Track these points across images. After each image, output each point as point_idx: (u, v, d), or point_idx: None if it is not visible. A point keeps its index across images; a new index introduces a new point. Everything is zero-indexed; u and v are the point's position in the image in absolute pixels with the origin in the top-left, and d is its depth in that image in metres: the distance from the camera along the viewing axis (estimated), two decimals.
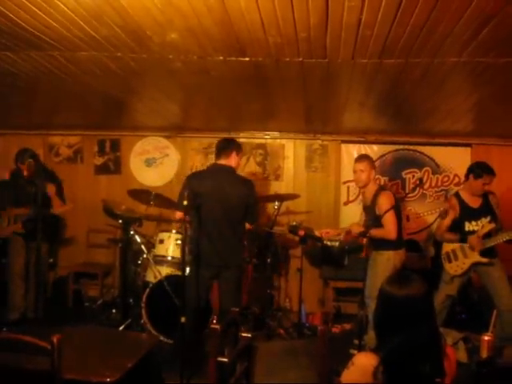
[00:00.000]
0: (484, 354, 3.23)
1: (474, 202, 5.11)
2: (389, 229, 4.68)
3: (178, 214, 4.51)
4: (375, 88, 4.39)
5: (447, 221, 5.22)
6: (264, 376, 3.32)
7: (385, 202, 4.73)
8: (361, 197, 5.26)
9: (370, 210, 4.92)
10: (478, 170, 5.02)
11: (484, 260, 4.98)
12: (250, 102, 5.16)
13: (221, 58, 3.64)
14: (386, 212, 4.56)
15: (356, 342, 4.81)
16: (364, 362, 2.22)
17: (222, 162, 4.60)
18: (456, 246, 5.09)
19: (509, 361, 3.76)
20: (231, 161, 4.62)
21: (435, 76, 3.95)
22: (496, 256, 5.07)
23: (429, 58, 3.52)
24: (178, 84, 4.52)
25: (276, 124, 6.51)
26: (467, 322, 5.71)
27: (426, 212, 6.81)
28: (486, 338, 3.24)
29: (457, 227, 5.15)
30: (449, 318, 5.38)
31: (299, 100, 4.97)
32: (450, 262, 5.12)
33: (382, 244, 4.76)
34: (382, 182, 6.79)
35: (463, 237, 5.07)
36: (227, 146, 4.65)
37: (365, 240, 4.71)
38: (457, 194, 5.26)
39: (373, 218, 4.77)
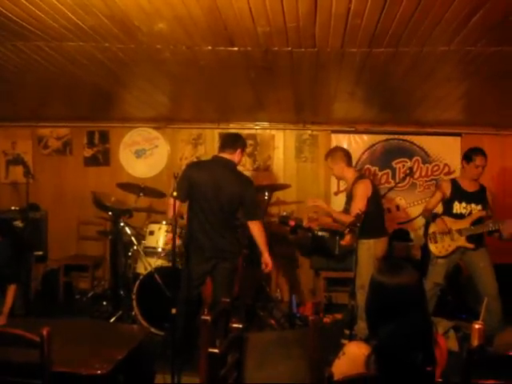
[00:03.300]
0: (475, 342, 3.22)
1: (470, 187, 5.15)
2: (357, 203, 4.72)
3: (176, 204, 4.43)
4: (365, 77, 4.38)
5: (433, 200, 5.31)
6: (255, 367, 3.32)
7: (360, 191, 4.82)
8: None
9: (349, 198, 5.00)
10: (468, 153, 5.10)
11: (469, 246, 5.03)
12: (240, 92, 5.14)
13: (209, 47, 3.61)
14: (356, 201, 4.69)
15: (347, 331, 4.82)
16: (355, 351, 2.23)
17: (226, 155, 4.57)
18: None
19: (499, 349, 3.77)
20: (235, 156, 4.61)
21: (425, 65, 3.94)
22: (483, 245, 5.12)
23: (418, 47, 3.51)
24: (167, 74, 4.49)
25: (266, 114, 6.48)
26: (458, 310, 5.72)
27: (416, 201, 6.82)
28: (477, 326, 3.23)
29: (446, 208, 5.21)
30: (439, 307, 5.41)
31: (289, 90, 4.95)
32: (435, 242, 5.17)
33: (363, 232, 4.77)
34: (372, 172, 6.81)
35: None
36: (235, 142, 4.63)
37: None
38: (453, 179, 5.33)
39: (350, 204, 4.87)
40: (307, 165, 6.94)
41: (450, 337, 4.71)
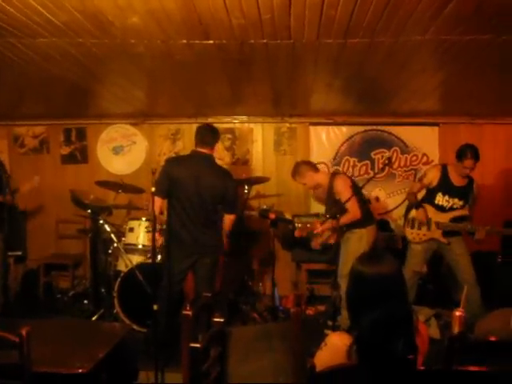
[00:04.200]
0: (456, 329, 3.25)
1: (458, 181, 5.17)
2: (353, 211, 4.76)
3: (157, 201, 4.43)
4: (341, 69, 4.39)
5: (419, 184, 5.38)
6: (238, 361, 3.32)
7: (341, 185, 4.84)
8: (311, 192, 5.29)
9: (329, 198, 5.00)
10: (460, 152, 5.05)
11: (443, 240, 5.14)
12: (217, 86, 5.11)
13: (184, 41, 3.58)
14: (347, 198, 4.65)
15: (330, 323, 4.84)
16: (337, 341, 2.23)
17: (204, 150, 4.54)
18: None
19: (480, 335, 3.81)
20: (213, 151, 4.61)
21: (400, 55, 3.95)
22: (460, 234, 5.21)
23: (393, 37, 3.52)
24: (143, 69, 4.45)
25: (244, 108, 6.47)
26: (439, 299, 5.78)
27: (396, 191, 6.86)
28: (458, 313, 3.25)
29: (429, 196, 5.26)
30: (421, 296, 5.47)
31: (266, 83, 4.94)
32: (412, 227, 5.23)
33: (353, 224, 4.82)
34: (352, 163, 6.83)
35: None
36: (212, 136, 4.61)
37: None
38: (444, 166, 5.31)
39: (334, 203, 4.87)
40: (286, 158, 6.93)
41: (431, 325, 4.75)
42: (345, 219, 4.76)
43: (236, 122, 6.96)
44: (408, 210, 5.37)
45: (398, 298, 2.24)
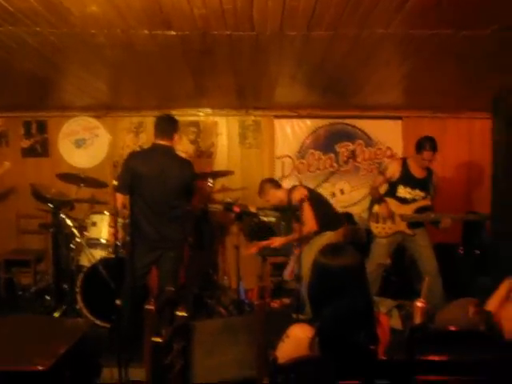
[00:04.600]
0: (417, 319, 3.30)
1: (418, 173, 5.24)
2: (310, 224, 4.81)
3: (119, 197, 4.38)
4: (305, 61, 4.38)
5: (381, 178, 5.41)
6: (203, 354, 3.31)
7: (298, 199, 4.82)
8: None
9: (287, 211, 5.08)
10: (419, 144, 5.15)
11: (409, 232, 5.21)
12: (180, 78, 5.06)
13: (146, 31, 3.53)
14: (304, 211, 4.71)
15: (295, 315, 4.85)
16: (298, 333, 2.23)
17: (164, 142, 4.49)
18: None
19: (440, 325, 3.87)
20: (173, 142, 4.54)
21: (364, 48, 3.96)
22: (423, 226, 5.30)
23: (357, 30, 3.52)
24: (104, 60, 4.36)
25: (208, 101, 6.43)
26: (402, 290, 5.84)
27: (360, 185, 6.90)
28: (419, 304, 3.30)
29: (391, 189, 5.31)
30: (384, 287, 5.52)
31: (230, 75, 4.91)
32: (376, 222, 5.29)
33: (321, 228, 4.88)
34: (317, 156, 6.85)
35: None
36: (171, 127, 4.54)
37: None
38: (404, 159, 5.39)
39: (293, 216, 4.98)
40: (251, 151, 6.93)
41: (393, 315, 4.81)
42: (301, 233, 4.78)
43: (200, 115, 6.91)
44: (372, 205, 5.42)
45: (360, 290, 2.25)
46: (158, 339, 2.50)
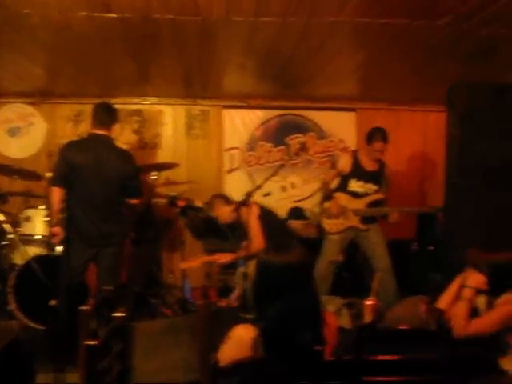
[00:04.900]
0: (367, 318, 3.37)
1: (370, 166, 5.31)
2: (258, 242, 4.75)
3: (55, 190, 4.30)
4: (254, 49, 4.39)
5: (332, 173, 5.46)
6: (143, 357, 3.29)
7: (248, 216, 4.84)
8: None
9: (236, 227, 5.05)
10: (369, 135, 5.22)
11: (362, 227, 5.28)
12: (122, 63, 4.99)
13: (84, 13, 3.48)
14: (252, 229, 4.74)
15: (243, 315, 4.86)
16: (242, 334, 2.24)
17: (102, 131, 4.42)
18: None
19: (390, 323, 3.95)
20: (112, 131, 4.48)
21: (315, 36, 4.00)
22: (375, 222, 5.38)
23: (306, 18, 3.55)
24: (39, 43, 4.28)
25: (153, 88, 6.36)
26: (355, 287, 5.90)
27: (312, 178, 6.95)
28: (369, 302, 3.38)
29: (342, 184, 5.36)
30: (336, 285, 5.58)
31: (175, 62, 4.87)
32: (328, 218, 5.33)
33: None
34: (267, 149, 6.87)
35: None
36: (110, 116, 4.48)
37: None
38: (355, 152, 5.47)
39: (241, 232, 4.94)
40: (198, 142, 6.88)
41: (342, 314, 4.86)
42: (248, 251, 4.79)
43: (145, 104, 6.82)
44: (323, 201, 5.47)
45: (305, 288, 2.27)
46: (93, 342, 2.46)
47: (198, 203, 5.73)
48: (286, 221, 6.39)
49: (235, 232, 5.07)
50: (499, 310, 3.01)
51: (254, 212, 4.87)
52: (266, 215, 4.98)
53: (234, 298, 5.19)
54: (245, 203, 4.86)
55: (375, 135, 5.12)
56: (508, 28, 3.77)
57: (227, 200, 5.19)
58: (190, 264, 5.17)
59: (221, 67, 5.11)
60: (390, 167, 5.46)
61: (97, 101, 5.83)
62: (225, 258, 5.06)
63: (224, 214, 5.05)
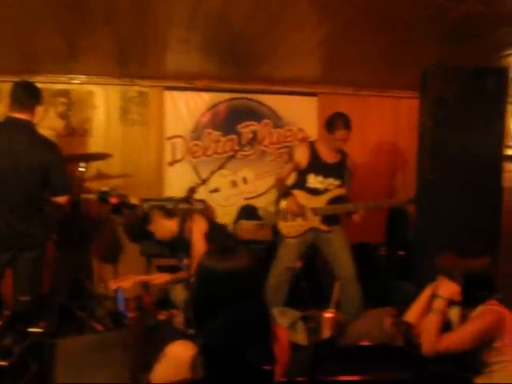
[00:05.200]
0: (325, 333, 3.39)
1: (330, 157, 5.34)
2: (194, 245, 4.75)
3: None
4: (198, 23, 4.37)
5: (287, 168, 5.48)
6: (67, 377, 3.25)
7: (193, 231, 4.77)
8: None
9: (177, 242, 4.97)
10: (330, 122, 5.25)
11: (324, 228, 5.30)
12: (46, 34, 4.90)
13: None
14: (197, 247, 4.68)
15: (184, 330, 4.85)
16: (178, 352, 2.21)
17: (21, 115, 4.35)
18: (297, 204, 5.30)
19: (351, 340, 3.98)
20: (33, 116, 4.42)
21: (270, 8, 3.99)
22: (338, 223, 5.42)
23: None
24: None
25: (82, 66, 6.26)
26: (314, 297, 5.94)
27: (267, 172, 6.96)
28: (327, 315, 3.40)
29: (300, 180, 5.39)
30: (293, 295, 5.60)
31: (107, 35, 4.81)
32: (285, 220, 5.32)
33: None
34: (215, 138, 6.85)
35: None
36: (32, 97, 4.41)
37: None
38: (312, 143, 5.50)
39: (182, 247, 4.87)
40: (135, 129, 6.82)
41: (297, 329, 4.89)
42: (189, 272, 4.72)
43: (73, 83, 6.71)
44: (278, 200, 5.45)
45: (253, 299, 2.26)
46: (4, 362, 2.41)
47: (134, 200, 5.66)
48: (237, 221, 6.41)
49: (175, 248, 5.01)
50: (474, 323, 3.06)
51: (200, 228, 4.81)
52: (214, 230, 4.91)
53: (175, 312, 5.17)
54: (191, 216, 4.88)
55: (337, 122, 5.16)
56: (487, 5, 3.83)
57: (167, 212, 5.07)
58: (120, 284, 5.08)
59: (160, 42, 5.07)
60: (353, 159, 5.52)
61: (16, 79, 5.75)
62: (161, 278, 4.98)
63: (163, 229, 4.97)
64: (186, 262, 4.77)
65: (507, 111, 4.90)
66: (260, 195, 6.97)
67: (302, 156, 5.34)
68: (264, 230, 6.42)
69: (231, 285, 2.21)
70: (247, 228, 6.25)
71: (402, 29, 4.42)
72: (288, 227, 5.32)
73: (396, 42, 4.87)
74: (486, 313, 3.05)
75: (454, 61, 5.00)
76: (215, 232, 4.88)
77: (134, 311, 4.61)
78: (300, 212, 5.24)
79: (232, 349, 2.16)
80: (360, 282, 5.35)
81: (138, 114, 6.82)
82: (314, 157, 5.32)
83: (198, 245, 4.66)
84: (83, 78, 6.68)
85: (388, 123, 7.24)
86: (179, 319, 4.93)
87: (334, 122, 5.18)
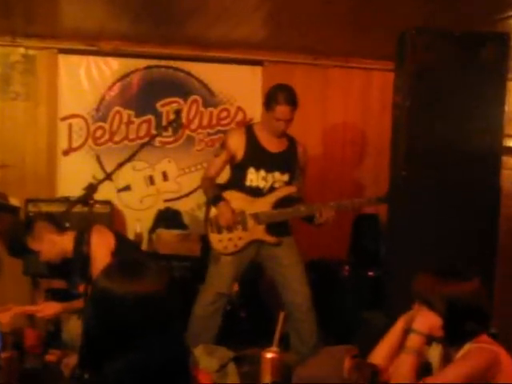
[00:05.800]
0: (266, 378, 3.37)
1: (273, 145, 5.28)
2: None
3: None
4: None
5: (217, 162, 5.36)
6: None
7: (96, 246, 4.62)
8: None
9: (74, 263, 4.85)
10: (269, 95, 5.17)
11: (270, 239, 5.22)
12: None
13: None
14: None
15: (78, 373, 4.79)
16: None
17: None
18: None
19: None
20: None
21: None
22: (288, 234, 5.37)
23: None
24: None
25: None
26: (255, 331, 5.94)
27: (194, 166, 6.97)
28: (269, 355, 3.37)
29: (236, 177, 5.33)
30: (228, 328, 5.59)
31: None
32: (219, 232, 5.21)
33: None
34: (126, 119, 6.80)
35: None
36: None
37: None
38: (249, 126, 5.45)
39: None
40: (18, 105, 6.76)
41: (228, 374, 4.84)
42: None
43: None
44: (208, 206, 5.33)
45: (166, 333, 2.24)
46: None
47: (15, 201, 5.59)
48: (154, 229, 6.38)
49: (69, 270, 4.93)
50: (460, 366, 3.08)
51: (105, 243, 4.72)
52: (123, 249, 4.81)
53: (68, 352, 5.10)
54: (95, 228, 4.71)
55: (276, 95, 5.07)
56: None
57: (56, 224, 4.94)
58: None
59: None
60: (305, 147, 5.49)
61: None
62: (49, 310, 4.82)
63: (52, 248, 4.82)
64: (81, 288, 4.66)
65: (507, 90, 4.95)
66: (185, 196, 6.98)
67: (236, 144, 5.23)
68: (189, 241, 6.40)
69: (136, 314, 2.19)
70: (167, 239, 6.23)
71: None
72: (223, 241, 5.18)
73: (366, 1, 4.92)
74: (475, 352, 3.06)
75: (438, 23, 5.07)
76: (124, 248, 4.81)
77: (9, 350, 4.52)
78: (236, 221, 5.15)
79: None
80: (316, 310, 5.35)
81: (23, 84, 6.74)
82: (253, 145, 5.24)
83: (101, 261, 4.56)
84: None
85: (355, 102, 7.32)
86: (72, 360, 4.87)
87: (273, 96, 5.07)
